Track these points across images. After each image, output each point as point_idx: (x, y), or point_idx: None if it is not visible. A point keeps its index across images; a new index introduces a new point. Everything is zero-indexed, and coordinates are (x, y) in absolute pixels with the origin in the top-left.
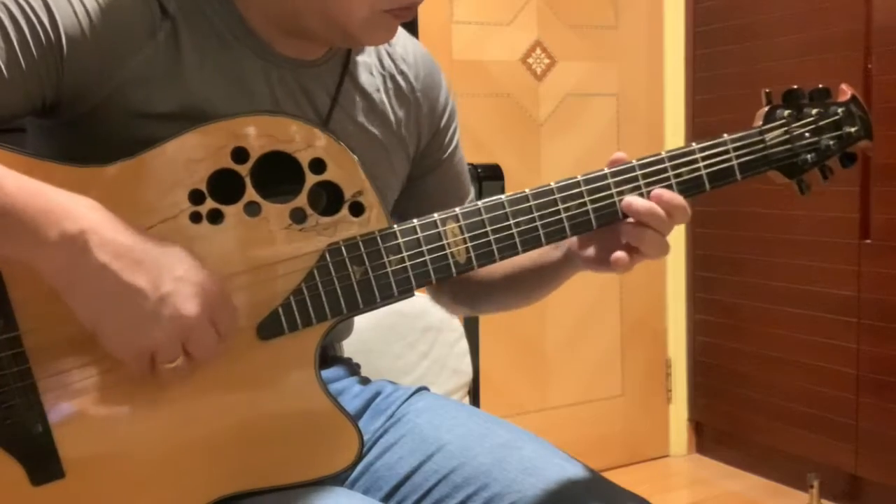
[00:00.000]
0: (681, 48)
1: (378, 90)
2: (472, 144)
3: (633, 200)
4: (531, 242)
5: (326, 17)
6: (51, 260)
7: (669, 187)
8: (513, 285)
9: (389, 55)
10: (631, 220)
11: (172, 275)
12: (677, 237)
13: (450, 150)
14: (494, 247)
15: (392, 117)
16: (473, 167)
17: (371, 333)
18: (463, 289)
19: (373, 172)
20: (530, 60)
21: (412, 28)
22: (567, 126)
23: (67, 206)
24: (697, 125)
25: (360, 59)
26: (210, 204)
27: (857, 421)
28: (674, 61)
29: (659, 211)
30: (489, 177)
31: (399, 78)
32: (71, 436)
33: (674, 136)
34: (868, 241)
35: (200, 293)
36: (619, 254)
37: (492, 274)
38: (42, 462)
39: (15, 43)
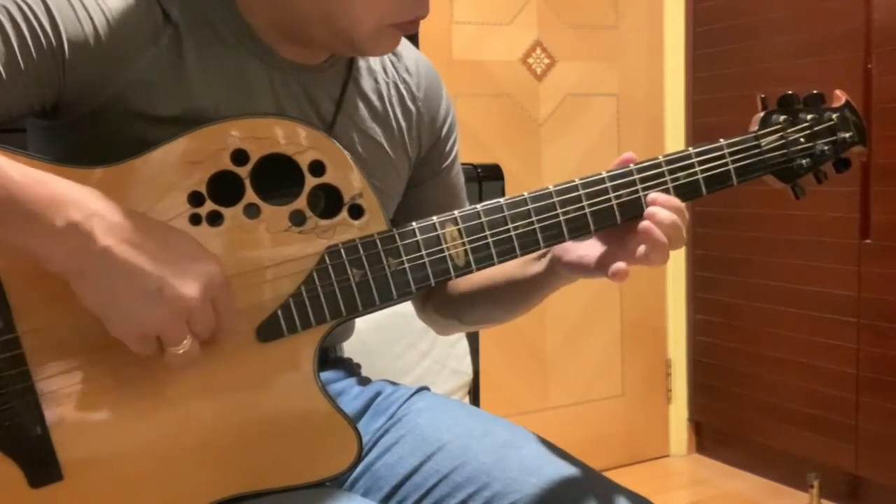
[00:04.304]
0: (681, 48)
1: (381, 97)
2: (472, 144)
3: (658, 211)
4: (529, 245)
5: (332, 28)
6: (57, 247)
7: (667, 191)
8: (494, 297)
9: (393, 64)
10: (646, 223)
11: (175, 257)
12: None
13: (447, 162)
14: (493, 250)
15: (395, 123)
16: (473, 167)
17: (371, 334)
18: (446, 300)
19: (376, 176)
20: (530, 60)
21: None
22: (567, 126)
23: (72, 194)
24: (697, 125)
25: (364, 65)
26: (209, 206)
27: (857, 421)
28: (674, 61)
29: (679, 222)
30: (489, 177)
31: (402, 86)
32: (69, 438)
33: (674, 136)
34: (868, 241)
35: (202, 274)
36: (620, 264)
37: (471, 287)
38: (40, 464)
39: (14, 45)
